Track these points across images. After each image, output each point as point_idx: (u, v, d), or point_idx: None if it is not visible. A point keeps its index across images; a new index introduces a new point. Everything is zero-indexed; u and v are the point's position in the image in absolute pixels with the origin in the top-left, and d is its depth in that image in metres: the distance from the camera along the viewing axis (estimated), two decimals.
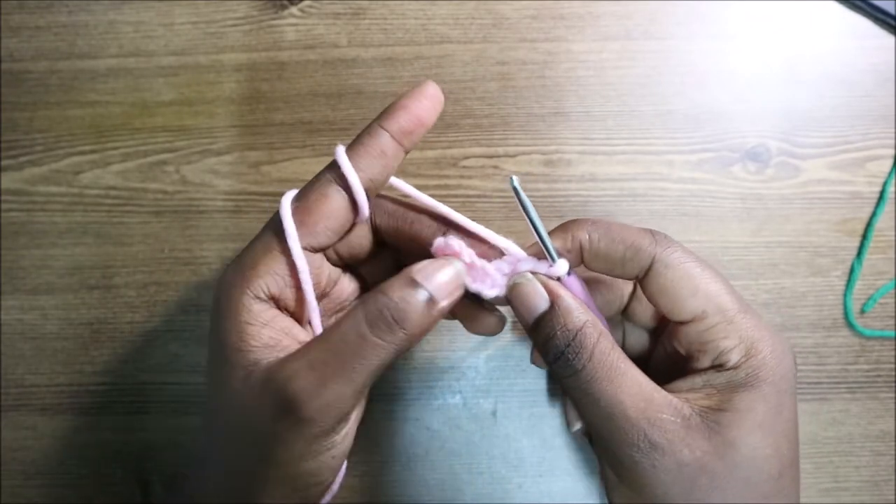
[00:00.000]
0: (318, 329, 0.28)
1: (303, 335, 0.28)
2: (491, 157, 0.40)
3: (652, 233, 0.28)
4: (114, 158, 0.40)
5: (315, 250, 0.28)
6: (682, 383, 0.27)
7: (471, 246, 0.28)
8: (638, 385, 0.25)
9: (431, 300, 0.25)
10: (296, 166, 0.40)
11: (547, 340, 0.26)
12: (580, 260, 0.28)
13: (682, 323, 0.28)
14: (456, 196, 0.40)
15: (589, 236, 0.28)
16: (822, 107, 0.40)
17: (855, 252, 0.39)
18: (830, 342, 0.39)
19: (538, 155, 0.40)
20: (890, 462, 0.38)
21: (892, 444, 0.38)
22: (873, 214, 0.39)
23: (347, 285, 0.31)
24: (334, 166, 0.27)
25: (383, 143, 0.27)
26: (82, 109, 0.41)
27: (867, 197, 0.39)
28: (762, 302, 0.39)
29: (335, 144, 0.27)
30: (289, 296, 0.27)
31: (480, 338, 0.39)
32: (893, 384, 0.38)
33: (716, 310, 0.26)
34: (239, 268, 0.27)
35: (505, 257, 0.28)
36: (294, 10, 0.41)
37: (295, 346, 0.27)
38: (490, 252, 0.28)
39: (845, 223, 0.39)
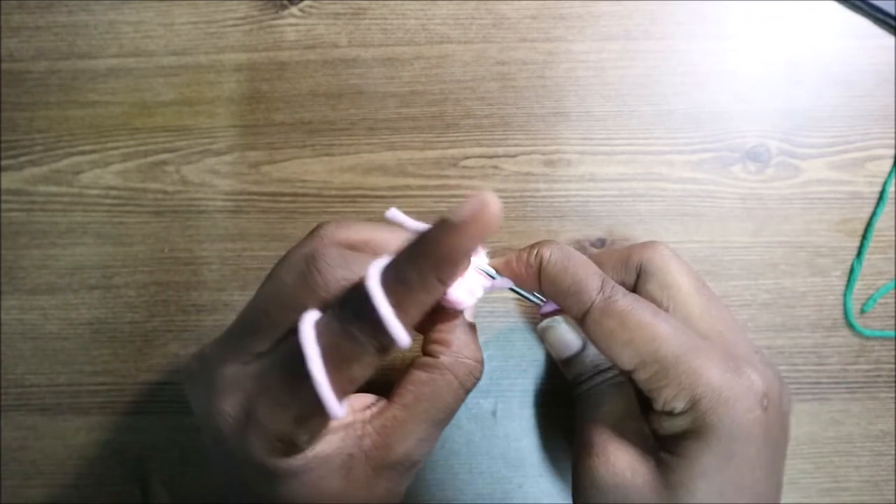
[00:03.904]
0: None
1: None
2: (491, 157, 0.40)
3: (604, 280, 0.27)
4: (114, 158, 0.40)
5: None
6: (651, 417, 0.28)
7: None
8: (621, 407, 0.29)
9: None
10: (296, 166, 0.40)
11: (577, 376, 0.31)
12: (538, 282, 0.28)
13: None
14: (456, 196, 0.40)
15: (549, 256, 0.27)
16: (822, 107, 0.40)
17: (855, 252, 0.39)
18: (830, 342, 0.39)
19: (538, 155, 0.40)
20: (890, 462, 0.38)
21: (892, 444, 0.38)
22: (873, 214, 0.39)
23: None
24: (380, 328, 0.22)
25: (438, 296, 0.23)
26: (82, 109, 0.41)
27: (867, 197, 0.39)
28: (762, 302, 0.39)
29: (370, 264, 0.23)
30: None
31: (481, 338, 0.38)
32: (893, 384, 0.38)
33: (652, 359, 0.26)
34: (267, 437, 0.24)
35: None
36: (294, 10, 0.41)
37: (360, 416, 0.26)
38: None
39: (845, 223, 0.39)
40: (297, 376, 0.23)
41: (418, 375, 0.27)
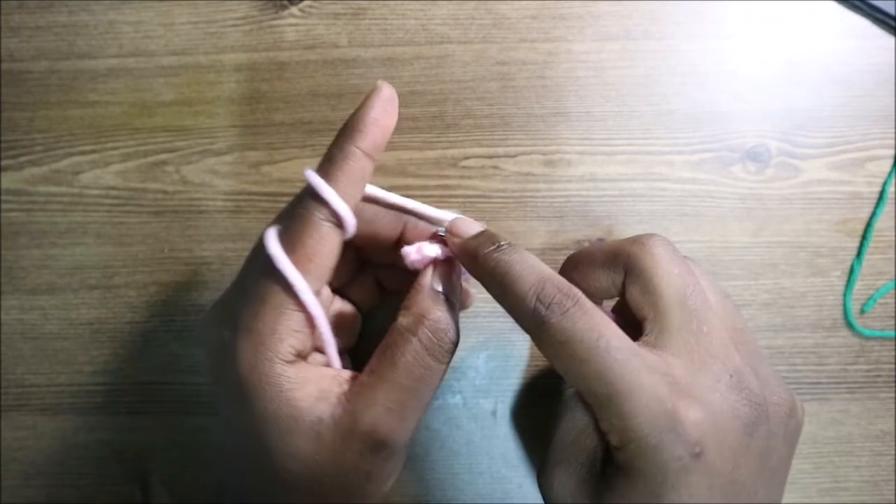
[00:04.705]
0: (336, 360, 0.28)
1: (332, 368, 0.28)
2: (491, 157, 0.40)
3: (539, 297, 0.25)
4: (114, 158, 0.40)
5: (319, 293, 0.27)
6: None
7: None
8: (585, 420, 0.27)
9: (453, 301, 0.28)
10: (296, 166, 0.40)
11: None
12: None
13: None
14: (456, 196, 0.40)
15: (488, 263, 0.27)
16: (822, 107, 0.40)
17: (855, 252, 0.39)
18: (830, 342, 0.39)
19: (538, 155, 0.40)
20: (890, 462, 0.38)
21: (892, 444, 0.38)
22: (873, 214, 0.39)
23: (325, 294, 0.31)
24: (318, 199, 0.26)
25: (363, 165, 0.26)
26: (82, 109, 0.41)
27: (867, 197, 0.39)
28: (762, 302, 0.39)
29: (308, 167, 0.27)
30: (309, 345, 0.27)
31: (481, 338, 0.39)
32: (893, 384, 0.38)
33: (589, 393, 0.25)
34: (253, 339, 0.26)
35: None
36: (294, 10, 0.41)
37: (337, 387, 0.27)
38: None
39: (845, 223, 0.39)
40: (266, 270, 0.26)
41: (383, 341, 0.27)
